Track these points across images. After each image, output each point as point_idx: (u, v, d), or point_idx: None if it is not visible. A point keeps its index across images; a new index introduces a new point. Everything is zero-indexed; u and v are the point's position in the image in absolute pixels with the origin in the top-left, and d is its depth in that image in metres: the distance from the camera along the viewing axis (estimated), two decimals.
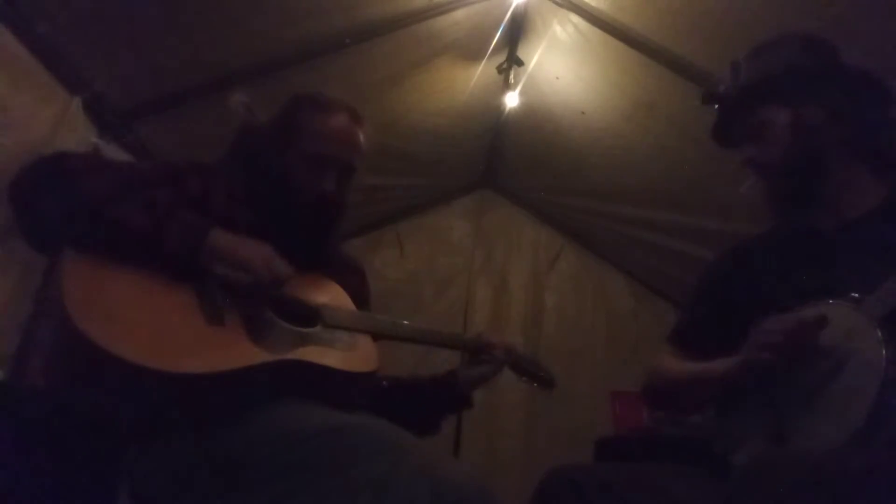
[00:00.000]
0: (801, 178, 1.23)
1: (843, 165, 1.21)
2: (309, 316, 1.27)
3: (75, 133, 2.18)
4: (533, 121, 3.08)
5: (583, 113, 2.85)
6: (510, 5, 2.46)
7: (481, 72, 2.79)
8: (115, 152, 2.34)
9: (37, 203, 1.08)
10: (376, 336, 1.39)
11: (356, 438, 1.02)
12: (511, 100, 2.91)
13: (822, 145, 1.21)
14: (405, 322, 1.49)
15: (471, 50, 2.69)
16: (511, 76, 2.80)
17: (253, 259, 1.13)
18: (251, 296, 1.15)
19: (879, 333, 0.99)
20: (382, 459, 0.98)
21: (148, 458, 1.12)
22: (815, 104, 1.21)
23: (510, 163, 3.63)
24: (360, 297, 1.46)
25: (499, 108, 3.03)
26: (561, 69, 2.74)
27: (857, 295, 1.05)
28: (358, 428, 1.04)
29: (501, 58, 2.77)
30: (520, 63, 2.77)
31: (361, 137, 1.40)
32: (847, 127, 1.20)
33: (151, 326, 1.05)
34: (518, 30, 2.64)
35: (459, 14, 2.47)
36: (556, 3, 2.43)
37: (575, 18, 2.45)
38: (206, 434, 1.08)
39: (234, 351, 1.11)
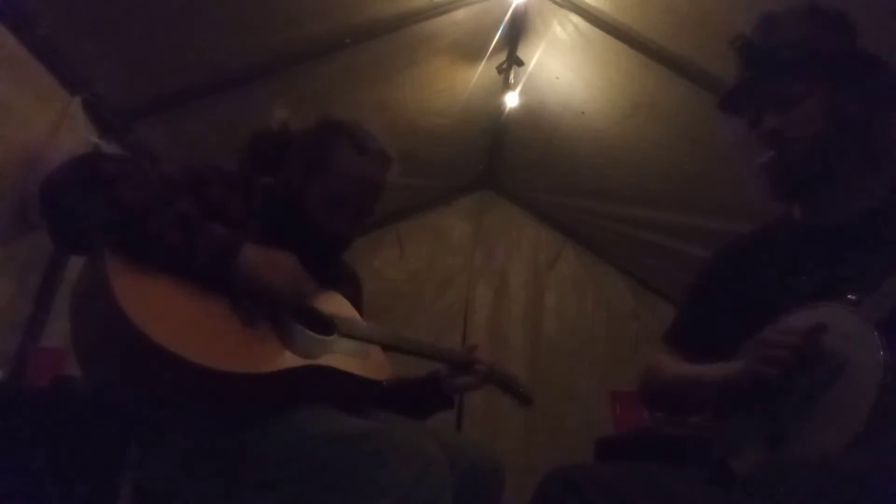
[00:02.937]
0: (822, 164, 1.17)
1: (855, 160, 1.18)
2: (325, 325, 1.31)
3: (75, 133, 2.19)
4: (533, 121, 3.08)
5: (583, 113, 2.85)
6: (510, 5, 2.46)
7: (481, 72, 2.80)
8: (115, 152, 2.34)
9: (70, 207, 1.08)
10: (384, 348, 1.44)
11: (382, 444, 1.03)
12: (511, 100, 2.91)
13: (850, 137, 1.17)
14: (410, 336, 1.55)
15: (471, 50, 2.69)
16: (511, 76, 2.80)
17: (278, 275, 1.16)
18: (274, 309, 1.19)
19: (877, 337, 0.97)
20: (407, 466, 1.00)
21: (160, 459, 1.14)
22: (855, 92, 1.16)
23: (510, 163, 3.63)
24: (355, 302, 1.49)
25: (499, 108, 3.03)
26: (561, 69, 2.74)
27: (854, 297, 1.04)
28: (382, 433, 1.06)
29: (501, 58, 2.77)
30: (520, 63, 2.77)
31: (384, 183, 1.43)
32: (874, 122, 1.17)
33: (198, 325, 1.08)
34: (518, 30, 2.64)
35: (459, 14, 2.48)
36: (556, 3, 2.43)
37: (575, 18, 2.45)
38: (232, 434, 1.09)
39: (272, 354, 1.15)
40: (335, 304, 1.40)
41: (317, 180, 1.35)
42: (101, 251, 1.06)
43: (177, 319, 1.06)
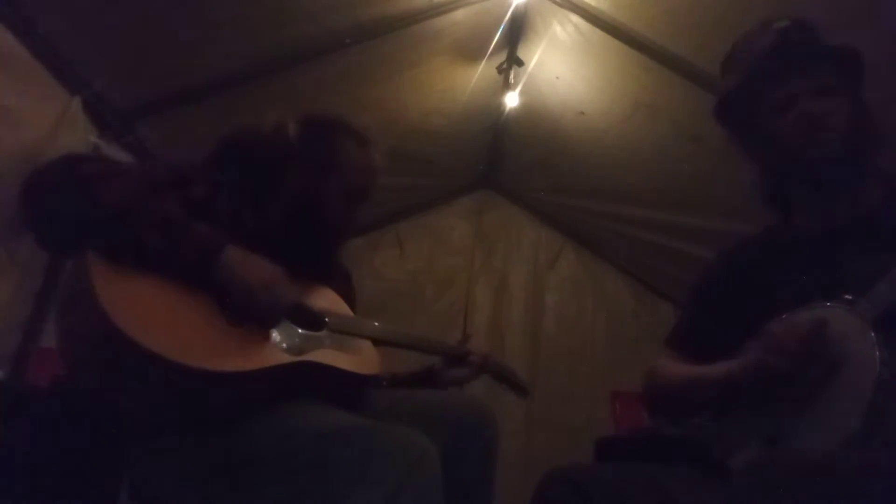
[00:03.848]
0: (844, 165, 1.18)
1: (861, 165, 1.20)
2: (315, 321, 1.31)
3: (75, 133, 2.18)
4: (533, 121, 3.08)
5: (582, 113, 2.86)
6: (510, 5, 2.46)
7: (481, 72, 2.80)
8: (115, 152, 2.34)
9: (50, 208, 1.08)
10: (375, 342, 1.44)
11: (373, 437, 1.03)
12: (511, 100, 2.91)
13: (864, 142, 1.18)
14: (401, 329, 1.55)
15: (471, 50, 2.69)
16: (511, 76, 2.80)
17: (257, 283, 1.15)
18: (254, 314, 1.17)
19: (873, 335, 0.99)
20: (398, 459, 1.00)
21: (155, 458, 1.13)
22: (863, 99, 1.19)
23: (510, 163, 3.63)
24: (348, 299, 1.50)
25: (499, 108, 3.03)
26: (561, 69, 2.74)
27: (850, 297, 1.06)
28: (374, 427, 1.06)
29: (501, 58, 2.77)
30: (520, 63, 2.77)
31: None
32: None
33: (181, 325, 1.08)
34: (518, 30, 2.64)
35: (459, 14, 2.48)
36: (556, 3, 2.43)
37: (575, 18, 2.45)
38: (223, 432, 1.09)
39: (257, 352, 1.15)
40: (327, 300, 1.40)
41: (333, 178, 1.38)
42: (84, 253, 1.05)
43: (160, 320, 1.05)
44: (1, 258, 1.98)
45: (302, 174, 1.39)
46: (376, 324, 1.46)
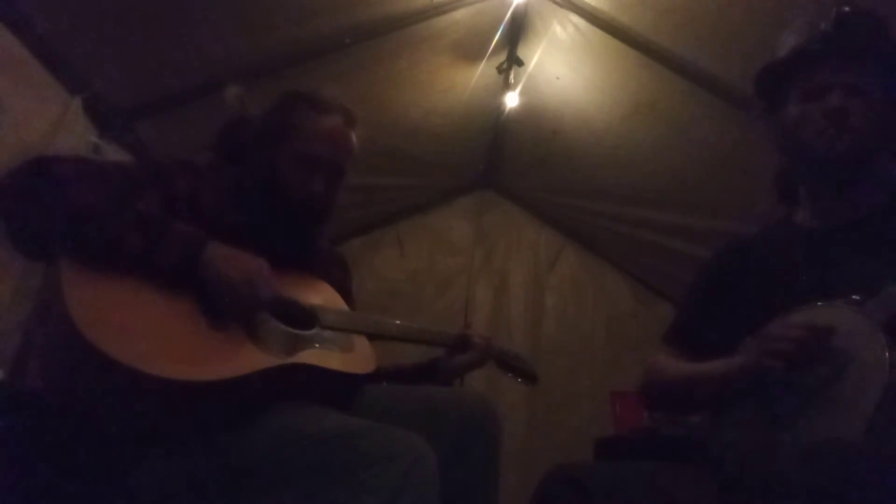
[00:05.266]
0: (859, 164, 1.17)
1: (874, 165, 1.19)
2: (306, 318, 1.27)
3: (75, 133, 2.18)
4: (533, 121, 3.08)
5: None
6: (510, 5, 2.46)
7: (481, 72, 2.80)
8: (115, 152, 2.34)
9: (24, 211, 1.06)
10: (370, 337, 1.39)
11: (369, 442, 1.01)
12: (511, 100, 2.91)
13: (885, 144, 1.18)
14: (396, 321, 1.50)
15: (471, 50, 2.70)
16: (511, 76, 2.80)
17: (239, 278, 1.12)
18: (237, 310, 1.14)
19: (883, 336, 0.97)
20: (394, 464, 0.98)
21: (150, 468, 1.11)
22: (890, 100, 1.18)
23: (510, 163, 3.63)
24: (344, 289, 1.46)
25: (499, 108, 3.03)
26: (561, 69, 2.74)
27: (858, 297, 1.04)
28: (370, 431, 1.04)
29: (501, 58, 2.78)
30: (520, 63, 2.77)
31: (353, 140, 1.38)
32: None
33: (157, 334, 1.04)
34: (518, 30, 2.64)
35: (459, 14, 2.48)
36: (556, 3, 2.43)
37: (575, 18, 2.45)
38: (213, 441, 1.07)
39: (241, 356, 1.11)
40: (320, 295, 1.36)
41: (285, 147, 1.32)
42: (56, 260, 1.02)
43: (137, 330, 1.02)
44: (1, 258, 1.98)
45: (257, 147, 1.34)
46: (371, 316, 1.41)
